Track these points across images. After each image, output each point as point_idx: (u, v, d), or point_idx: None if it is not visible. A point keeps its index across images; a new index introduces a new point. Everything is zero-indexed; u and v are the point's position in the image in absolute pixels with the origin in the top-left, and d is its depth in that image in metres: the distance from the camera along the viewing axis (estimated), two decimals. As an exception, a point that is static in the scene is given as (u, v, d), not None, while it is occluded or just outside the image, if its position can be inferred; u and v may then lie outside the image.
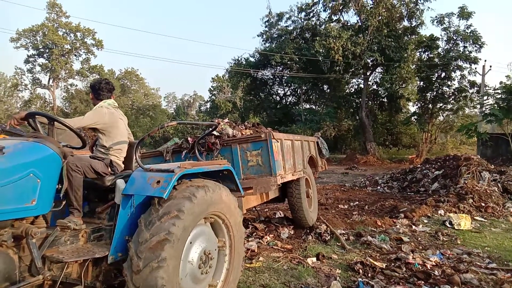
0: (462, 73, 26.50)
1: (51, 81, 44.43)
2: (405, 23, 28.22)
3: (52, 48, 41.30)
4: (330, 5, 28.51)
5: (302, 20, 31.62)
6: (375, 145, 29.16)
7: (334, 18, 29.82)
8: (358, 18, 28.36)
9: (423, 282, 4.09)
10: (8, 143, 2.65)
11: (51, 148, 2.71)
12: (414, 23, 27.73)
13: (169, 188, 2.75)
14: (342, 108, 32.66)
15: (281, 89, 36.54)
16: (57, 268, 2.66)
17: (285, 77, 32.92)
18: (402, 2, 27.12)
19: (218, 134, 5.10)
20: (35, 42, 41.52)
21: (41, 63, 43.23)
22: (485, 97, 19.54)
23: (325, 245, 5.71)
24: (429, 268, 4.51)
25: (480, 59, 25.49)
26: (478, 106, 22.12)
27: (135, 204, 2.91)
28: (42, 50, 42.03)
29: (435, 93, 27.35)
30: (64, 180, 2.80)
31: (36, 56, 42.84)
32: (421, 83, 28.60)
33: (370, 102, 32.39)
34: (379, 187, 12.41)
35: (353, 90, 34.33)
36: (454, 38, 26.28)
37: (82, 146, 3.33)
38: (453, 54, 25.91)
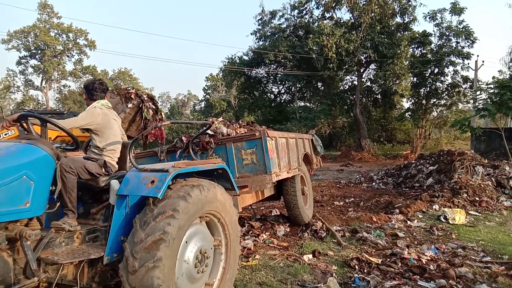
0: (455, 69, 26.59)
1: (43, 82, 44.11)
2: (398, 19, 28.33)
3: (44, 49, 40.99)
4: (323, 2, 28.50)
5: (295, 18, 31.59)
6: (369, 141, 29.25)
7: (327, 15, 29.82)
8: (351, 15, 28.38)
9: (418, 276, 4.12)
10: (1, 145, 2.64)
11: (44, 150, 2.70)
12: (406, 19, 27.82)
13: (163, 187, 2.74)
14: (336, 105, 32.71)
15: (275, 87, 36.53)
16: (53, 270, 2.65)
17: (279, 75, 32.92)
18: (395, -1, 27.19)
19: (213, 133, 5.10)
20: (27, 44, 41.15)
21: (33, 65, 42.93)
22: (478, 92, 19.57)
23: (321, 242, 5.73)
24: (424, 262, 4.55)
25: (472, 54, 25.61)
26: (471, 101, 22.15)
27: (129, 205, 2.91)
28: (34, 51, 41.68)
29: (428, 88, 27.42)
30: (58, 182, 2.79)
31: (28, 58, 42.49)
32: (415, 79, 28.67)
33: (364, 98, 32.50)
34: (374, 183, 12.46)
35: (347, 87, 34.44)
36: (447, 33, 26.35)
37: (76, 147, 3.32)
38: (446, 49, 25.98)
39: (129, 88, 6.56)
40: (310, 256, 4.96)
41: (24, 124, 2.98)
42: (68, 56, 44.10)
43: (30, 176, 2.54)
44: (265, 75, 34.40)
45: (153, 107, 7.05)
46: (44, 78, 43.63)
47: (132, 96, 6.28)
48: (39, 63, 42.13)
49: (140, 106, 6.46)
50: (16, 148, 2.65)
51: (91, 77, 42.08)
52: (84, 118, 3.37)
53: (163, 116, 7.59)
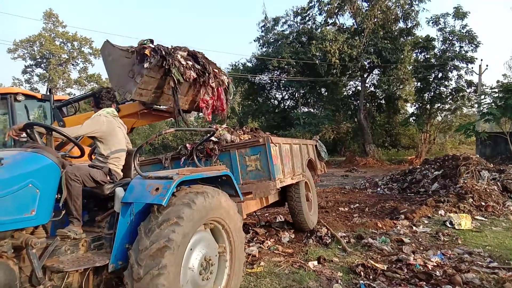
0: (459, 73, 26.51)
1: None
2: (401, 24, 28.30)
3: (50, 58, 41.34)
4: (326, 8, 28.56)
5: (298, 24, 31.69)
6: (374, 146, 29.14)
7: (330, 21, 29.87)
8: (353, 20, 28.42)
9: (424, 283, 4.09)
10: (7, 154, 2.66)
11: (49, 158, 2.73)
12: (409, 25, 27.79)
13: (168, 195, 2.75)
14: (340, 111, 32.66)
15: (279, 93, 36.49)
16: (58, 278, 2.66)
17: (283, 81, 32.91)
18: (397, 4, 27.16)
19: (217, 140, 5.11)
20: (32, 53, 41.53)
21: (38, 73, 43.26)
22: (482, 96, 19.59)
23: (326, 248, 5.71)
24: (430, 268, 4.51)
25: (476, 58, 25.55)
26: (476, 105, 22.14)
27: (134, 212, 2.92)
28: (39, 60, 42.05)
29: (432, 93, 27.35)
30: (63, 190, 2.81)
31: (33, 66, 42.85)
32: (419, 84, 28.61)
33: (368, 104, 32.41)
34: (379, 189, 12.40)
35: (350, 92, 34.39)
36: (450, 38, 26.32)
37: (81, 155, 3.34)
38: (450, 54, 25.93)
39: (145, 42, 4.91)
40: (315, 262, 4.94)
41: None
42: (73, 64, 44.41)
43: (35, 184, 2.56)
44: (269, 81, 34.44)
45: (197, 66, 5.24)
46: (49, 86, 43.89)
47: (147, 52, 4.68)
48: (44, 71, 42.48)
49: (164, 65, 4.83)
50: (22, 157, 2.68)
51: (96, 85, 42.34)
52: (89, 125, 3.39)
53: (225, 81, 5.79)
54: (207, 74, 5.35)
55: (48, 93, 6.52)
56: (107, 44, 4.90)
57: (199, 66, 5.24)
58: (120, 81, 4.82)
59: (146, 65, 4.61)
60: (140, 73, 4.65)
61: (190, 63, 5.09)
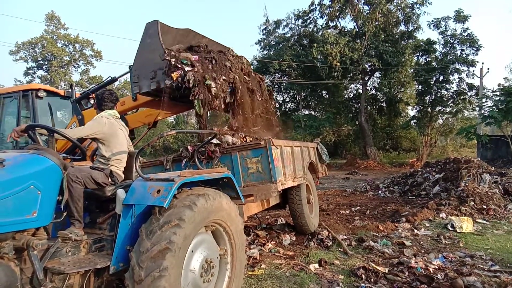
0: (460, 76, 26.59)
1: (50, 92, 44.39)
2: (402, 27, 28.33)
3: (51, 60, 41.43)
4: (327, 11, 28.62)
5: (300, 27, 31.74)
6: (375, 149, 29.11)
7: (331, 24, 29.91)
8: (355, 24, 28.47)
9: (426, 286, 4.08)
10: (9, 155, 2.67)
11: (51, 160, 2.73)
12: (410, 28, 27.81)
13: (169, 197, 2.76)
14: (341, 114, 32.67)
15: (280, 96, 36.51)
16: (59, 280, 2.66)
17: (284, 84, 32.96)
18: (398, 7, 27.24)
19: (218, 142, 5.11)
20: (34, 55, 41.62)
21: (40, 75, 43.29)
22: (483, 100, 19.62)
23: (327, 251, 5.70)
24: (431, 271, 4.50)
25: (477, 61, 25.62)
26: (477, 108, 22.14)
27: (135, 214, 2.92)
28: (41, 62, 42.13)
29: (433, 96, 27.40)
30: (65, 191, 2.81)
31: (35, 68, 42.91)
32: (420, 87, 28.67)
33: (369, 107, 32.45)
34: (380, 192, 12.37)
35: (352, 95, 34.42)
36: (451, 41, 26.38)
37: (82, 157, 3.35)
38: (451, 57, 25.98)
39: (184, 62, 4.42)
40: (316, 265, 4.93)
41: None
42: (74, 66, 44.49)
43: (37, 186, 2.56)
44: (270, 84, 34.46)
45: (228, 100, 4.92)
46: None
47: (173, 76, 4.30)
48: (46, 73, 42.53)
49: (186, 93, 4.44)
50: (24, 158, 2.68)
51: (97, 87, 42.27)
52: (91, 127, 3.40)
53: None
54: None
55: (70, 89, 6.38)
56: (154, 25, 4.59)
57: (230, 100, 5.10)
58: (140, 70, 4.71)
59: (168, 82, 4.42)
60: (158, 83, 4.49)
61: (223, 94, 4.84)
